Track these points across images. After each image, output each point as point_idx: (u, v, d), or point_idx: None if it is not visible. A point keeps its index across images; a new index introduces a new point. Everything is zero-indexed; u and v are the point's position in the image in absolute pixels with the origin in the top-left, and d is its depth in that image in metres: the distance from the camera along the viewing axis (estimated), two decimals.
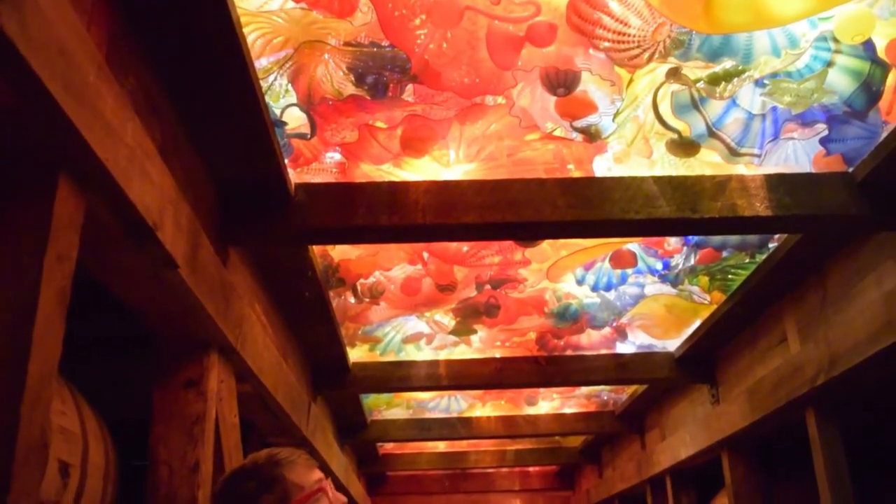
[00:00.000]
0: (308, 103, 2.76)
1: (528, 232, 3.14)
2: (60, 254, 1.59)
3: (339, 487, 5.24)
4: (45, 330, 1.50)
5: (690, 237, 3.72)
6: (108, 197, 1.78)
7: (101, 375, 2.88)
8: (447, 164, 3.08)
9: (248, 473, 1.64)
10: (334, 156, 3.05)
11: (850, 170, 3.02)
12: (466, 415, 7.30)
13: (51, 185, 1.58)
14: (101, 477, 2.53)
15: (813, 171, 3.12)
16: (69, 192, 1.63)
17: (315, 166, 3.02)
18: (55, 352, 1.55)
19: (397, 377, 5.33)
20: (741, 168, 3.12)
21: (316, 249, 3.53)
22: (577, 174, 3.12)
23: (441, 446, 9.22)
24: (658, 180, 2.94)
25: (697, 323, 4.86)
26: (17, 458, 1.41)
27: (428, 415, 7.24)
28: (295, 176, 2.95)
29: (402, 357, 5.31)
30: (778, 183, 2.99)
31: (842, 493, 3.68)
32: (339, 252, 3.68)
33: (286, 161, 2.79)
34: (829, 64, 2.71)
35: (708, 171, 3.07)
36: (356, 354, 5.22)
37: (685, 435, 5.76)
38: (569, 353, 5.37)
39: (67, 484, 2.27)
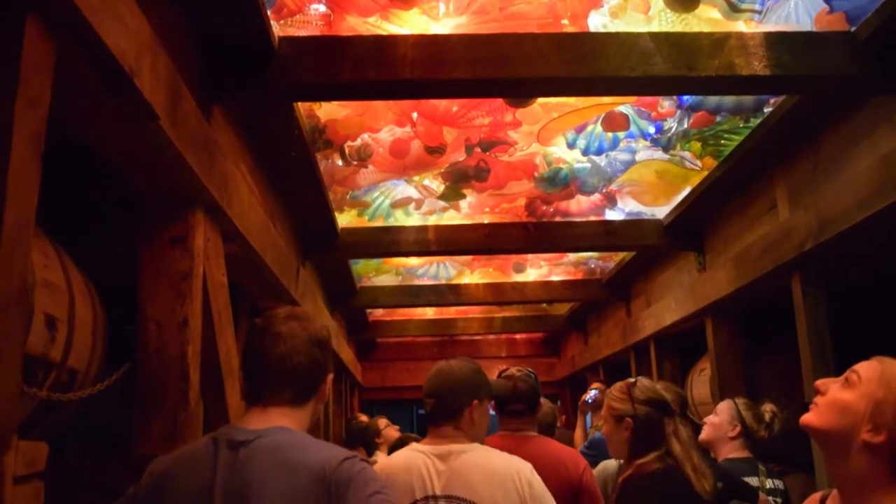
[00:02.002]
0: None
1: (520, 89, 3.06)
2: (32, 98, 1.52)
3: None
4: (20, 175, 1.45)
5: (684, 99, 3.65)
6: (81, 40, 1.70)
7: (89, 239, 2.86)
8: (437, 17, 2.97)
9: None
10: (319, 7, 2.92)
11: (853, 29, 2.93)
12: (455, 282, 7.37)
13: (18, 27, 1.50)
14: (89, 332, 2.53)
15: (814, 29, 3.02)
16: (38, 34, 1.55)
17: (299, 18, 2.90)
18: (31, 198, 1.51)
19: (386, 242, 5.34)
20: (740, 25, 3.02)
21: (301, 108, 3.45)
22: (571, 29, 3.01)
23: (429, 313, 9.37)
24: (654, 37, 2.85)
25: (687, 190, 4.84)
26: None
27: (417, 282, 7.31)
28: (279, 29, 2.84)
29: (391, 223, 5.31)
30: (778, 41, 2.90)
31: (822, 356, 3.76)
32: (326, 112, 3.59)
33: (269, 12, 2.67)
34: None
35: (706, 29, 2.97)
36: (345, 220, 5.21)
37: (670, 301, 5.84)
38: (557, 219, 5.36)
39: (55, 337, 2.27)
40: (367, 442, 6.24)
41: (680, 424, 2.65)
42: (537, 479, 2.32)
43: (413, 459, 2.33)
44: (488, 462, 2.32)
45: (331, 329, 1.79)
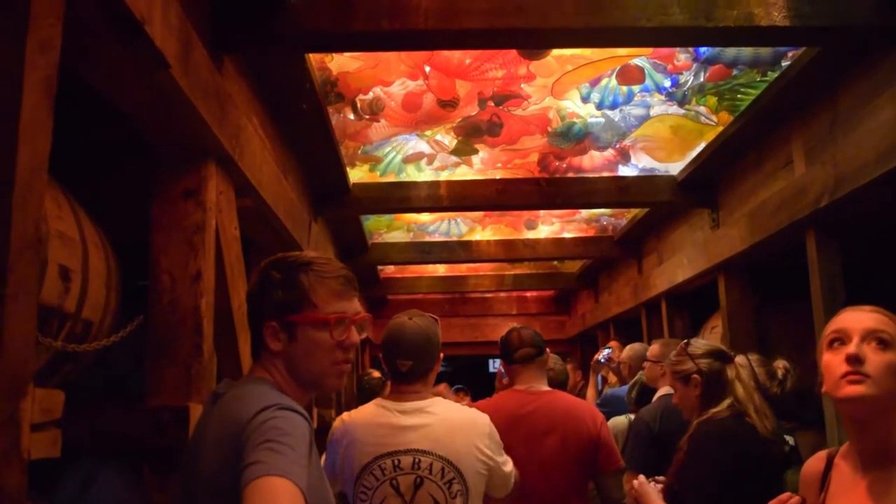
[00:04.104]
0: None
1: (534, 39, 3.02)
2: (43, 42, 1.51)
3: None
4: (32, 118, 1.44)
5: (701, 52, 3.59)
6: None
7: (102, 192, 2.86)
8: None
9: (281, 264, 1.59)
10: None
11: None
12: (466, 238, 7.36)
13: None
14: (103, 284, 2.54)
15: None
16: None
17: None
18: (44, 143, 1.50)
19: (397, 198, 5.32)
20: None
21: (313, 61, 3.41)
22: None
23: (441, 270, 9.37)
24: None
25: (702, 146, 4.79)
26: (12, 250, 1.39)
27: (428, 238, 7.30)
28: None
29: (403, 178, 5.28)
30: None
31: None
32: (338, 64, 3.55)
33: None
34: None
35: None
36: (356, 175, 5.18)
37: (682, 259, 5.82)
38: (570, 175, 5.33)
39: (69, 288, 2.28)
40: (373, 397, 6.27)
41: (740, 367, 2.76)
42: (494, 431, 2.40)
43: (377, 415, 2.39)
44: (450, 416, 2.38)
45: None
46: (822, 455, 1.80)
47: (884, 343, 1.58)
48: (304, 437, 1.34)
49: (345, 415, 2.49)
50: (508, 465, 2.42)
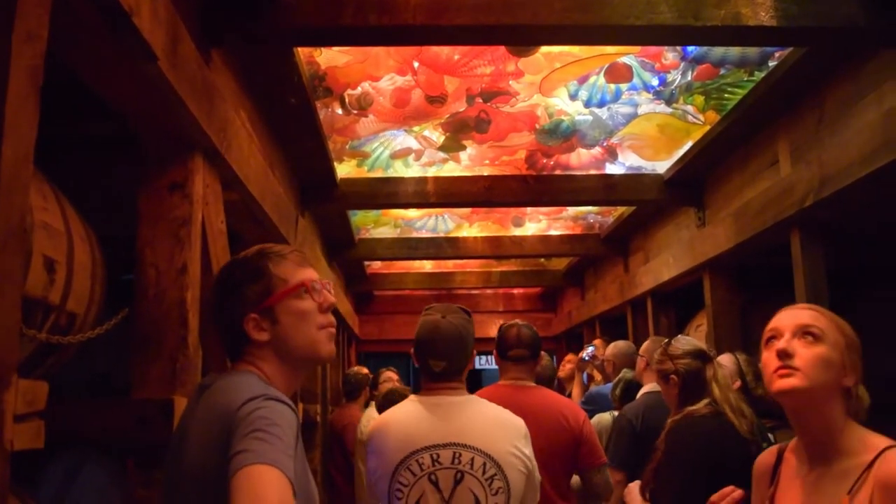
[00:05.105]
0: None
1: (523, 36, 3.03)
2: (30, 32, 1.50)
3: None
4: (18, 108, 1.43)
5: (689, 51, 3.60)
6: None
7: (88, 185, 2.85)
8: None
9: (238, 263, 1.64)
10: None
11: None
12: (453, 235, 7.37)
13: None
14: (88, 276, 2.53)
15: None
16: None
17: None
18: (30, 133, 1.49)
19: (385, 193, 5.32)
20: None
21: (302, 54, 3.40)
22: None
23: (427, 266, 9.37)
24: None
25: (689, 145, 4.81)
26: None
27: (415, 234, 7.30)
28: None
29: (390, 173, 5.28)
30: None
31: None
32: (326, 59, 3.54)
33: None
34: None
35: None
36: (344, 170, 5.18)
37: (668, 257, 5.85)
38: (558, 172, 5.34)
39: (54, 280, 2.27)
40: (359, 393, 6.26)
41: (718, 368, 2.78)
42: (529, 435, 2.37)
43: (413, 410, 2.35)
44: (489, 413, 2.35)
45: (329, 280, 1.75)
46: (773, 449, 1.87)
47: (814, 337, 1.65)
48: (291, 427, 1.35)
49: (379, 417, 2.47)
50: (538, 473, 2.37)
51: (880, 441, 1.60)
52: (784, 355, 1.65)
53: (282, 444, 1.28)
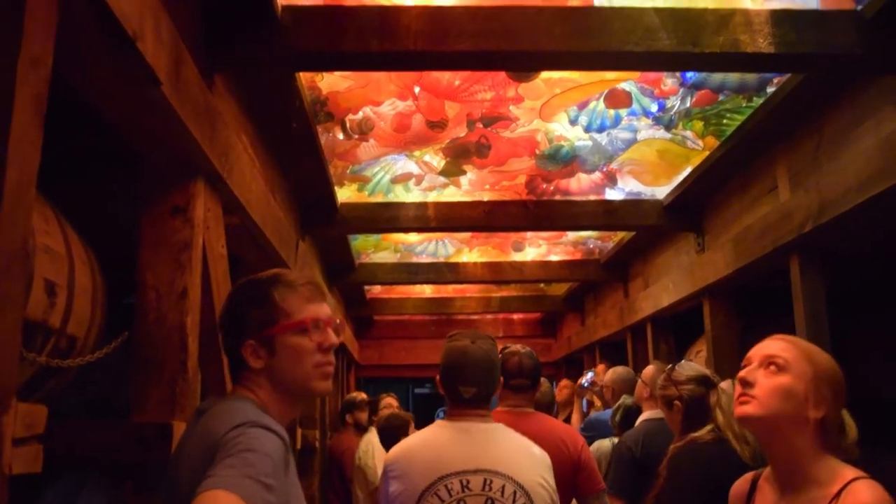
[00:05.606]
0: None
1: (523, 62, 3.05)
2: (35, 57, 1.52)
3: None
4: (22, 133, 1.44)
5: (688, 77, 3.63)
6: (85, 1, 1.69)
7: (89, 208, 2.86)
8: None
9: (247, 286, 1.64)
10: None
11: (859, 8, 2.91)
12: (453, 260, 7.37)
13: None
14: (88, 300, 2.54)
15: (820, 7, 3.00)
16: None
17: None
18: (33, 157, 1.50)
19: (385, 218, 5.33)
20: (746, 2, 3.00)
21: (303, 80, 3.43)
22: (575, 3, 2.99)
23: (427, 291, 9.37)
24: (659, 12, 2.83)
25: (688, 170, 4.83)
26: None
27: (415, 259, 7.30)
28: None
29: (391, 198, 5.29)
30: (783, 19, 2.88)
31: (819, 339, 3.76)
32: (328, 84, 3.57)
33: None
34: None
35: (711, 5, 2.95)
36: (344, 195, 5.19)
37: (668, 283, 5.85)
38: (557, 197, 5.35)
39: (55, 304, 2.28)
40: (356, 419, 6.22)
41: (722, 394, 2.76)
42: (552, 466, 2.35)
43: (440, 435, 2.33)
44: (518, 441, 2.34)
45: (329, 305, 1.74)
46: (748, 476, 1.90)
47: (777, 367, 1.69)
48: (272, 455, 1.33)
49: (403, 441, 2.44)
50: None
51: (849, 472, 1.62)
52: (744, 383, 1.72)
53: (252, 470, 1.25)
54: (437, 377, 2.42)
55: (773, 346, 1.74)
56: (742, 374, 1.73)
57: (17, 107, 1.43)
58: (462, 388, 2.32)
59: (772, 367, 1.70)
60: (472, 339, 2.38)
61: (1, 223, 1.40)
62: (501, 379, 3.00)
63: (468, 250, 7.16)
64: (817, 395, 1.66)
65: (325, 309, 1.65)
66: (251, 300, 1.60)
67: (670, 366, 3.00)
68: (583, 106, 3.95)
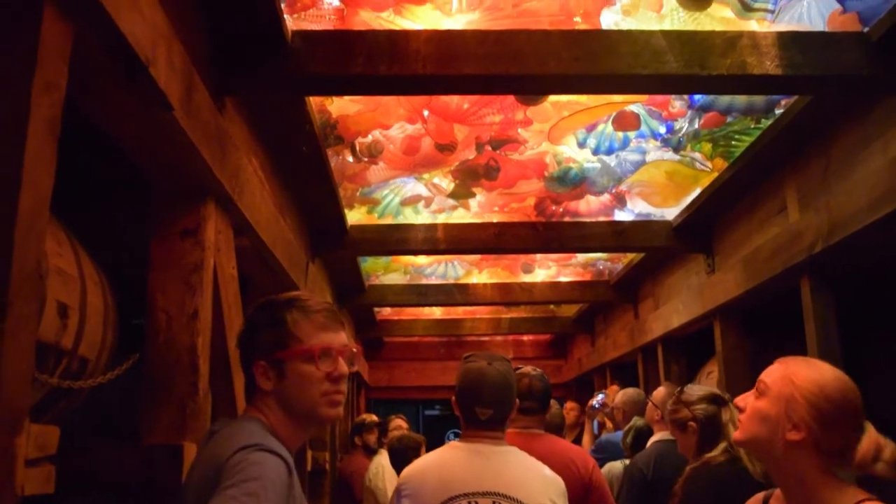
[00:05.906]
0: None
1: (531, 85, 3.06)
2: (49, 82, 1.54)
3: None
4: (36, 157, 1.47)
5: (696, 99, 3.65)
6: (98, 27, 1.72)
7: (101, 230, 2.89)
8: (449, 12, 2.98)
9: (265, 306, 1.63)
10: (333, 1, 2.93)
11: (866, 30, 2.93)
12: (463, 281, 7.37)
13: (37, 12, 1.51)
14: (100, 321, 2.55)
15: (827, 30, 3.02)
16: (55, 18, 1.57)
17: (312, 12, 2.91)
18: (47, 181, 1.52)
19: (395, 240, 5.34)
20: (753, 25, 3.02)
21: (313, 103, 3.46)
22: (583, 27, 3.02)
23: (437, 313, 9.37)
24: (667, 35, 2.85)
25: (697, 191, 4.83)
26: (12, 286, 1.40)
27: (425, 281, 7.31)
28: (292, 23, 2.85)
29: (400, 220, 5.31)
30: (790, 41, 2.90)
31: (831, 359, 3.72)
32: (337, 107, 3.60)
33: (282, 6, 2.69)
34: None
35: (718, 28, 2.98)
36: (354, 217, 5.22)
37: (678, 304, 5.83)
38: (567, 219, 5.37)
39: (67, 325, 2.29)
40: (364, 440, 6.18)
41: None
42: (566, 492, 2.34)
43: (452, 456, 2.33)
44: (530, 465, 2.33)
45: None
46: (759, 496, 1.88)
47: (759, 391, 1.71)
48: (276, 481, 1.34)
49: (416, 461, 2.43)
50: None
51: (854, 495, 1.60)
52: (738, 409, 1.76)
53: (253, 500, 1.26)
54: (453, 398, 2.41)
55: (768, 369, 1.75)
56: (737, 399, 1.78)
57: (31, 130, 1.46)
58: (479, 410, 2.32)
59: (756, 392, 1.72)
60: (488, 360, 2.38)
61: (15, 245, 1.41)
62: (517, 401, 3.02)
63: (478, 272, 7.17)
64: (795, 416, 1.62)
65: (341, 338, 1.63)
66: (265, 321, 1.60)
67: (679, 389, 2.99)
68: (591, 128, 3.97)
